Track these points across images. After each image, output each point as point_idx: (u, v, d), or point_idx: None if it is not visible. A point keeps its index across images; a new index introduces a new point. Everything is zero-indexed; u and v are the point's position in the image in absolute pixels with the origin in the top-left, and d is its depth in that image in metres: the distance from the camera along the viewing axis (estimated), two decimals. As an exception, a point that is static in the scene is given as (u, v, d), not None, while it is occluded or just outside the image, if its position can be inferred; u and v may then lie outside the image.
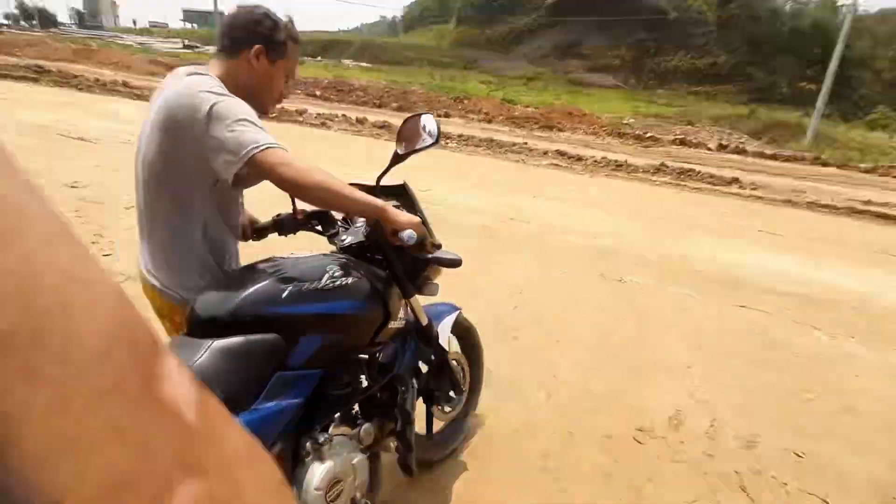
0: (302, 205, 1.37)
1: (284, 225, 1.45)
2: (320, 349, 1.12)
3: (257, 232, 1.52)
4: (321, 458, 1.12)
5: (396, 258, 1.29)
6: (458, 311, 1.78)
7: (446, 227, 3.12)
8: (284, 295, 1.07)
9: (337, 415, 1.23)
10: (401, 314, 1.39)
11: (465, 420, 1.98)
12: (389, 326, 1.31)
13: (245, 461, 0.21)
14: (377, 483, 1.35)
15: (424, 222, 1.33)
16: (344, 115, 13.00)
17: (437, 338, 1.57)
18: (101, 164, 5.38)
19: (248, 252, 1.42)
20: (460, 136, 10.54)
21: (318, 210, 1.41)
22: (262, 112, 1.30)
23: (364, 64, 34.64)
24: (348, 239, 1.32)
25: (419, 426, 1.58)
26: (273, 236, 1.56)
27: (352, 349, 1.27)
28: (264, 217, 1.57)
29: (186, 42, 36.53)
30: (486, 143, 10.26)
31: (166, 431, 0.18)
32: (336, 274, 1.17)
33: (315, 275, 1.14)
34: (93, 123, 7.90)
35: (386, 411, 1.39)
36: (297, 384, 1.08)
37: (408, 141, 1.42)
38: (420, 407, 1.63)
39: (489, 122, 15.14)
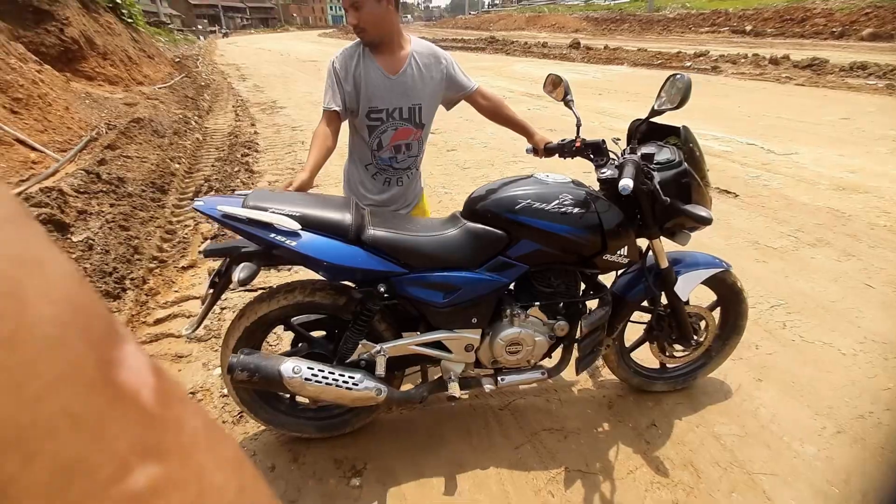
0: (583, 135, 1.64)
1: (566, 150, 1.67)
2: (533, 252, 1.49)
3: (547, 151, 1.78)
4: (511, 323, 1.57)
5: (647, 201, 1.48)
6: (720, 269, 1.76)
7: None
8: (517, 206, 1.43)
9: (538, 303, 1.57)
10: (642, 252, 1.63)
11: (690, 376, 1.95)
12: (607, 258, 1.53)
13: (205, 443, 0.21)
14: (558, 367, 1.71)
15: (693, 173, 1.49)
16: (755, 55, 10.71)
17: (672, 283, 1.68)
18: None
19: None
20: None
21: (594, 141, 1.58)
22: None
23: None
24: (607, 173, 1.47)
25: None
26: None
27: (563, 261, 1.55)
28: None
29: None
30: None
31: (122, 416, 0.18)
32: (566, 202, 1.45)
33: (548, 198, 1.45)
34: (496, 82, 10.20)
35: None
36: (509, 269, 1.50)
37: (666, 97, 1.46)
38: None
39: None
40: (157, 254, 3.01)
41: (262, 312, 1.47)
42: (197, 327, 1.44)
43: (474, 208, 1.49)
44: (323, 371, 1.38)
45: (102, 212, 3.15)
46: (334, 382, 1.38)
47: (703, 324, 1.85)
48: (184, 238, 3.28)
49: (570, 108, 1.66)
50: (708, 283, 1.81)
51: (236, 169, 4.71)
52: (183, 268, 2.96)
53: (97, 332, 0.19)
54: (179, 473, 0.19)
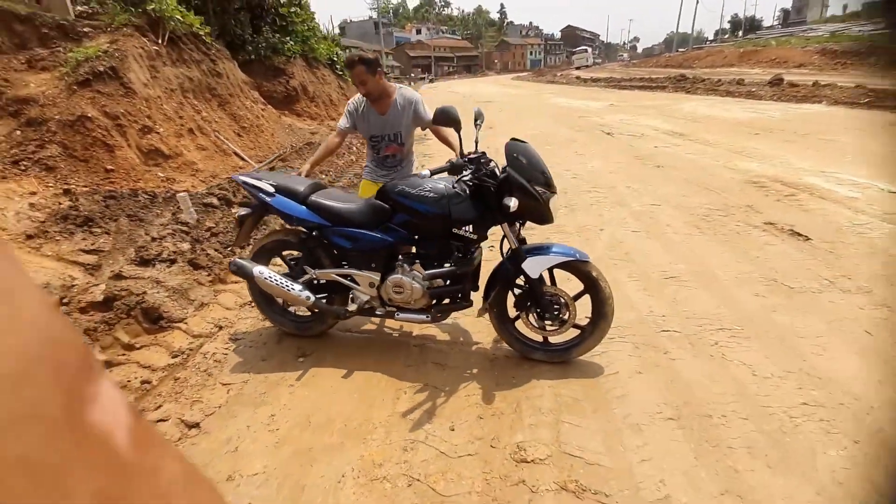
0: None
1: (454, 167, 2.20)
2: (406, 222, 2.26)
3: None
4: (396, 271, 2.33)
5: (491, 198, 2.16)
6: (571, 258, 2.18)
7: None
8: (396, 189, 2.23)
9: (418, 261, 2.32)
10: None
11: (566, 352, 2.33)
12: (455, 231, 2.20)
13: (182, 489, 0.21)
14: (437, 315, 2.37)
15: (516, 176, 2.09)
16: None
17: (520, 261, 2.20)
18: (583, 154, 7.48)
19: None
20: None
21: (476, 155, 2.21)
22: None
23: None
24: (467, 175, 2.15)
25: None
26: None
27: (430, 231, 2.25)
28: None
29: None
30: None
31: (89, 463, 0.17)
32: (426, 188, 2.18)
33: (416, 185, 2.19)
34: (645, 121, 10.21)
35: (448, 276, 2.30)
36: (392, 232, 2.30)
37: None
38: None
39: None
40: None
41: (262, 244, 2.59)
42: (235, 244, 2.64)
43: (379, 190, 2.35)
44: (275, 276, 2.40)
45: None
46: (279, 285, 2.38)
47: (562, 303, 2.26)
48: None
49: (476, 131, 2.38)
50: (571, 272, 2.25)
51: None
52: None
53: (69, 366, 0.18)
54: None
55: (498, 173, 2.17)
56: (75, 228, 3.65)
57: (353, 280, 2.43)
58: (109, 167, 4.74)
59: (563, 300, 2.27)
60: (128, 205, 4.16)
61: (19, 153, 4.44)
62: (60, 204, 4.01)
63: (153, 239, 3.55)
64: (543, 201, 2.12)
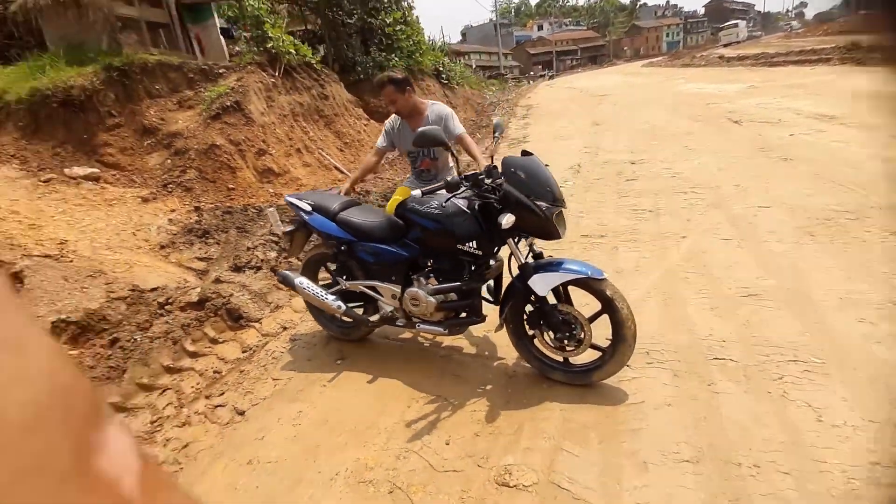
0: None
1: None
2: (419, 238, 2.37)
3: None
4: (413, 285, 2.43)
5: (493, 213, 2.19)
6: (579, 276, 2.05)
7: None
8: (408, 206, 2.34)
9: (432, 275, 2.40)
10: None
11: (585, 374, 2.19)
12: (460, 247, 2.23)
13: None
14: (454, 328, 2.41)
15: (513, 192, 2.04)
16: None
17: (527, 278, 2.10)
18: (694, 149, 6.68)
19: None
20: None
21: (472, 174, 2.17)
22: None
23: None
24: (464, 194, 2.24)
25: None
26: None
27: (439, 247, 2.32)
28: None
29: None
30: None
31: None
32: (432, 207, 2.23)
33: (424, 203, 2.27)
34: (791, 104, 8.75)
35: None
36: (408, 247, 2.42)
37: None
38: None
39: None
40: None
41: (309, 257, 2.90)
42: (288, 256, 2.99)
43: (396, 206, 2.46)
44: (313, 287, 2.66)
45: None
46: (314, 294, 2.63)
47: (575, 323, 2.13)
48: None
49: (494, 143, 2.38)
50: (586, 290, 2.10)
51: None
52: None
53: (78, 414, 0.19)
54: None
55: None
56: (195, 239, 4.46)
57: (377, 291, 2.59)
58: (231, 186, 5.66)
59: (576, 320, 2.14)
60: (238, 218, 4.94)
61: (168, 178, 5.56)
62: (190, 219, 4.92)
63: (248, 248, 4.18)
64: (545, 216, 2.03)
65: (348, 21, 10.14)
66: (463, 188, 2.12)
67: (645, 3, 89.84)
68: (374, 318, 2.57)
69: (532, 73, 51.83)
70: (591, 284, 2.07)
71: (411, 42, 11.37)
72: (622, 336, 2.05)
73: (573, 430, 1.98)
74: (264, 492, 1.95)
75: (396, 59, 10.51)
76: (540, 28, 73.22)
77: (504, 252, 2.38)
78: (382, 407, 2.33)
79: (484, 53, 47.61)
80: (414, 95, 2.81)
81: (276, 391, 2.62)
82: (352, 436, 2.16)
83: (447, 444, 2.02)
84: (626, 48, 76.29)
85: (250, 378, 2.78)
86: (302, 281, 2.69)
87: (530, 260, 2.22)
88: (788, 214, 3.84)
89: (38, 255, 3.72)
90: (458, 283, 2.30)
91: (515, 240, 2.19)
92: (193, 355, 3.04)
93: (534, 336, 2.32)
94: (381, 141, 3.02)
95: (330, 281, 2.89)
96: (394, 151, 3.06)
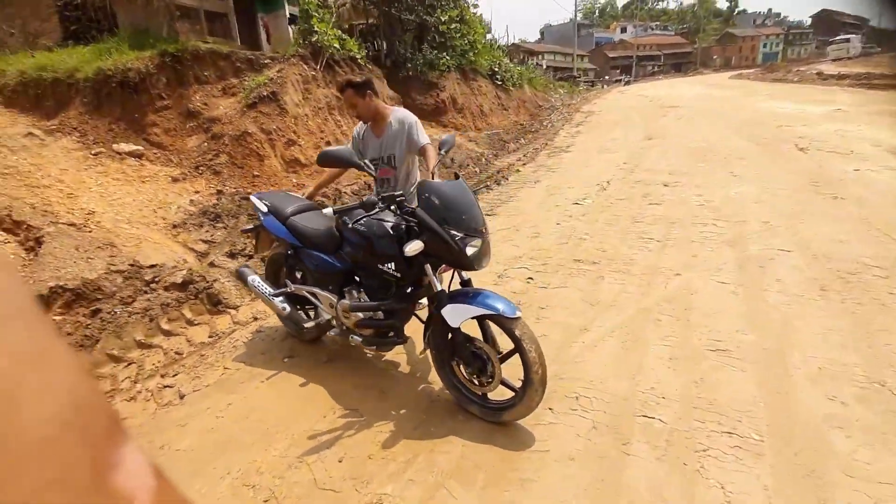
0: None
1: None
2: (347, 252, 2.47)
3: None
4: (345, 297, 2.49)
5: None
6: (495, 312, 1.94)
7: None
8: (342, 219, 2.32)
9: (362, 290, 2.54)
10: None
11: (497, 412, 2.11)
12: (384, 268, 2.27)
13: None
14: (376, 343, 2.39)
15: (424, 217, 2.00)
16: None
17: (439, 307, 2.05)
18: (740, 175, 6.13)
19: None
20: None
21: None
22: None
23: None
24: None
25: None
26: None
27: (361, 262, 2.37)
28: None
29: None
30: None
31: None
32: (361, 222, 2.23)
33: (356, 216, 2.27)
34: (866, 132, 7.84)
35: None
36: (342, 260, 2.44)
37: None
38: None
39: None
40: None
41: (270, 256, 2.99)
42: (255, 253, 3.11)
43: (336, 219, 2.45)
44: (263, 286, 2.75)
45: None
46: (262, 292, 2.72)
47: (484, 358, 2.06)
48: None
49: (436, 160, 2.36)
50: (500, 327, 2.01)
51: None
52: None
53: (98, 431, 0.19)
54: None
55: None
56: (206, 222, 4.75)
57: (318, 298, 2.63)
58: (256, 173, 5.96)
59: (485, 355, 2.05)
60: (252, 206, 5.19)
61: (201, 160, 5.94)
62: (210, 202, 5.24)
63: (247, 236, 4.38)
64: (457, 246, 1.96)
65: (407, 17, 10.28)
66: (377, 209, 2.10)
67: (744, 11, 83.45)
68: (310, 324, 2.62)
69: (607, 77, 49.90)
70: (502, 322, 1.98)
71: (466, 41, 11.31)
72: (529, 379, 1.95)
73: (465, 469, 1.92)
74: (165, 477, 2.05)
75: (448, 57, 10.51)
76: (623, 31, 70.23)
77: (447, 274, 2.34)
78: (301, 412, 2.37)
79: (559, 54, 46.45)
80: (376, 100, 2.79)
81: (220, 380, 2.74)
82: (262, 437, 2.22)
83: (340, 461, 2.03)
84: (715, 57, 71.34)
85: (206, 363, 2.93)
86: (254, 279, 2.79)
87: (452, 288, 2.17)
88: (808, 262, 3.45)
89: (64, 224, 4.12)
90: (378, 303, 2.29)
91: (440, 266, 2.14)
92: (167, 334, 3.25)
93: (454, 365, 2.27)
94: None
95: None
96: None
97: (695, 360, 2.47)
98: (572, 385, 2.36)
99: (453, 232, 1.97)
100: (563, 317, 3.04)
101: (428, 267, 2.12)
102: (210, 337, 3.21)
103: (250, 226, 2.95)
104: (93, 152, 5.66)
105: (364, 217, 2.23)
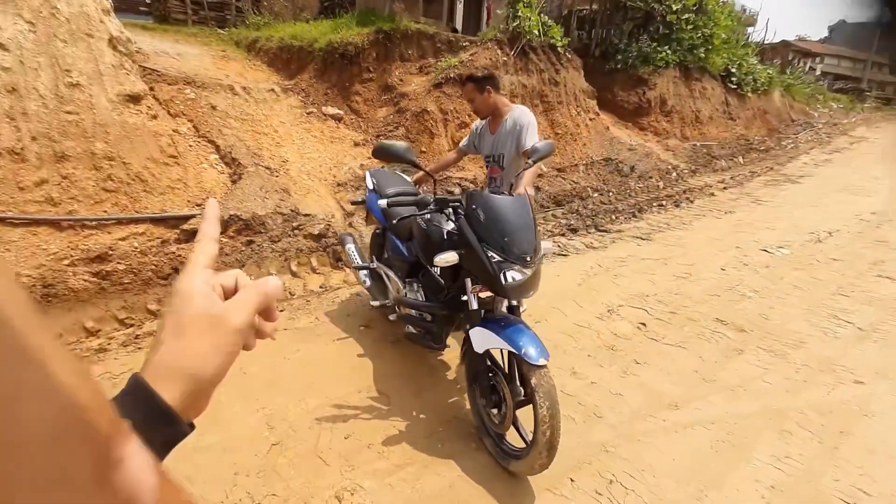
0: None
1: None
2: (412, 246, 2.61)
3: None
4: (406, 287, 2.62)
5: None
6: (517, 352, 1.71)
7: None
8: (410, 213, 2.44)
9: (420, 284, 2.62)
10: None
11: (505, 457, 1.91)
12: (431, 270, 2.35)
13: None
14: (413, 335, 2.44)
15: (465, 229, 1.89)
16: None
17: (470, 326, 1.92)
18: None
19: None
20: None
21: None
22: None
23: None
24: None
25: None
26: None
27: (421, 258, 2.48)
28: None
29: None
30: None
31: None
32: (425, 218, 2.28)
33: (426, 216, 2.37)
34: None
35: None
36: (410, 251, 2.57)
37: None
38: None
39: None
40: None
41: (375, 229, 3.18)
42: (367, 223, 3.36)
43: None
44: (354, 255, 2.95)
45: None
46: (351, 261, 2.92)
47: (499, 393, 1.87)
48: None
49: (526, 165, 2.15)
50: (518, 370, 1.81)
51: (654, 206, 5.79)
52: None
53: (99, 430, 0.19)
54: None
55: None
56: (364, 186, 5.31)
57: (390, 281, 2.71)
58: (424, 150, 6.37)
59: (501, 392, 1.84)
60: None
61: (383, 130, 6.63)
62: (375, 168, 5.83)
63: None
64: (493, 269, 1.76)
65: (635, 3, 9.41)
66: (427, 210, 2.02)
67: None
68: (376, 303, 2.73)
69: (918, 94, 37.69)
70: (522, 364, 1.75)
71: (699, 34, 9.76)
72: (535, 438, 1.70)
73: (445, 500, 1.80)
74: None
75: (668, 51, 9.25)
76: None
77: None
78: (345, 379, 2.53)
79: (846, 59, 36.94)
80: (496, 96, 2.65)
81: (307, 327, 3.10)
82: (304, 388, 2.45)
83: (346, 437, 2.11)
84: None
85: (306, 309, 3.34)
86: (350, 247, 3.03)
87: (495, 309, 1.99)
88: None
89: (263, 167, 5.12)
90: (421, 302, 2.25)
91: (479, 284, 1.98)
92: (294, 274, 3.81)
93: (475, 390, 2.11)
94: (464, 140, 2.99)
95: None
96: (477, 153, 2.98)
97: None
98: (616, 464, 1.97)
99: (491, 254, 1.79)
100: (657, 381, 2.53)
101: (468, 282, 1.98)
102: (320, 287, 3.65)
103: (359, 199, 3.20)
104: (307, 111, 6.83)
105: (415, 215, 2.21)
